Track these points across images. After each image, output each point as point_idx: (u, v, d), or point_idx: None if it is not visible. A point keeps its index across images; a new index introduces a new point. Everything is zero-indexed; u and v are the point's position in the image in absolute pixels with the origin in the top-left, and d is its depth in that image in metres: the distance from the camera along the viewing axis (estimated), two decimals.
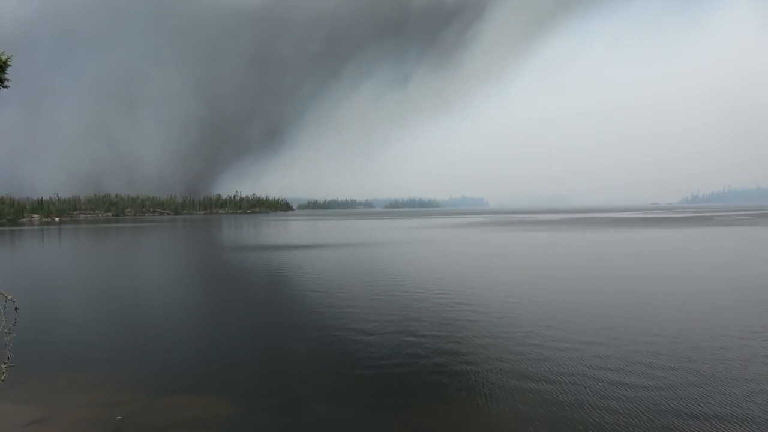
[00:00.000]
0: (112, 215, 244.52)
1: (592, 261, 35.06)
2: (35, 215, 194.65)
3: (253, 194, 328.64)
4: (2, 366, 8.52)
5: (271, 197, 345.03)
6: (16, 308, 8.43)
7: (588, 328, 15.79)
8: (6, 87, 5.66)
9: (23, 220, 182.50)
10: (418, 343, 14.63)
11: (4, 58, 5.67)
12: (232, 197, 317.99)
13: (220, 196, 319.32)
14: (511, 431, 9.12)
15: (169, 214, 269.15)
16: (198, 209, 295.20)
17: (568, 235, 63.20)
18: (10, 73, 5.76)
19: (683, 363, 12.36)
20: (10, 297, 8.49)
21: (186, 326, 18.20)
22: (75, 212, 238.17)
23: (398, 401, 10.55)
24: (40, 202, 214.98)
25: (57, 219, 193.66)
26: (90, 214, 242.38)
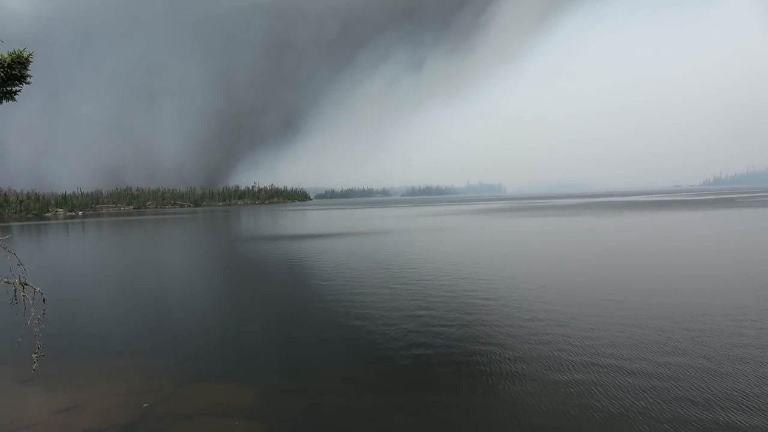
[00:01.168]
0: (134, 208, 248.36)
1: (608, 246, 34.67)
2: (60, 209, 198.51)
3: (271, 185, 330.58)
4: (33, 356, 8.78)
5: (288, 187, 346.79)
6: (44, 300, 8.65)
7: (602, 315, 15.68)
8: (28, 83, 5.79)
9: (48, 214, 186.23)
10: (435, 331, 14.68)
11: (25, 54, 5.77)
12: (251, 188, 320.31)
13: (238, 187, 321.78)
14: (523, 418, 9.13)
15: (189, 206, 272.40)
16: (217, 201, 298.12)
17: (584, 220, 62.52)
18: (31, 69, 5.87)
19: (698, 349, 12.22)
20: (38, 289, 8.71)
21: (209, 316, 18.49)
22: (98, 206, 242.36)
23: (416, 389, 10.63)
24: (64, 196, 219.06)
25: (81, 213, 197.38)
26: (112, 207, 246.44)
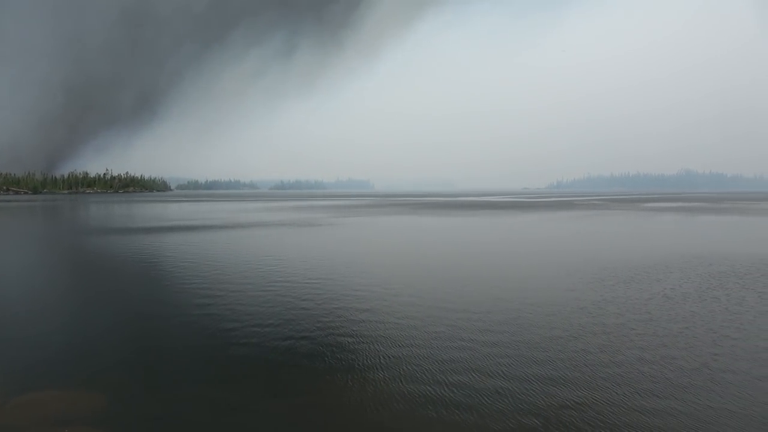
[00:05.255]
0: None
1: (462, 247, 37.41)
2: None
3: (126, 173, 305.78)
4: None
5: (146, 176, 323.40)
6: None
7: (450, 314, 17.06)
8: None
9: None
10: (297, 331, 14.93)
11: None
12: (102, 176, 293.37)
13: (87, 173, 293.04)
14: (376, 418, 9.79)
15: (26, 192, 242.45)
16: (62, 188, 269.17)
17: (443, 219, 66.48)
18: None
19: (514, 339, 13.87)
20: None
21: (49, 318, 16.90)
22: None
23: (277, 392, 10.84)
24: None
25: None
26: None
